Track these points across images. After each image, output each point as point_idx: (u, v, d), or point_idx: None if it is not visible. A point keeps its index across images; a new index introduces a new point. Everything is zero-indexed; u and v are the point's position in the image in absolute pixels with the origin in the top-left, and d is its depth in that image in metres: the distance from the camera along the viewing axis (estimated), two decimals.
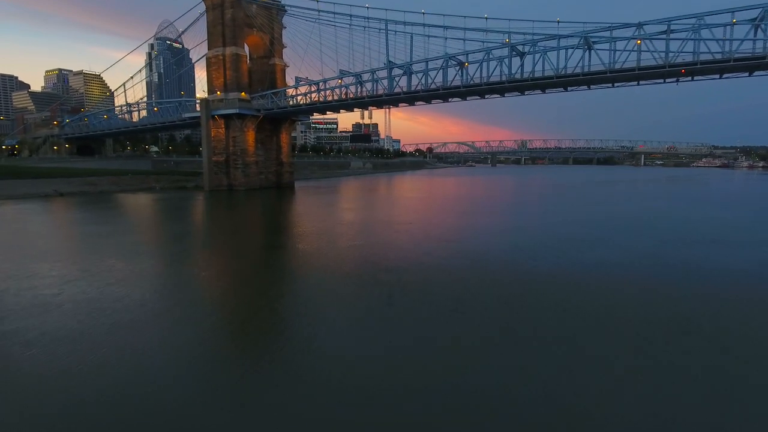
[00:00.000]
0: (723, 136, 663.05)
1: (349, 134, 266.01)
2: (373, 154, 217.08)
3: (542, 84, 63.58)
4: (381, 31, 75.36)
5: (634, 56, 59.20)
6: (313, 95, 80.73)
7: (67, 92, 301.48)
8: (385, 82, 73.04)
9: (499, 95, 71.25)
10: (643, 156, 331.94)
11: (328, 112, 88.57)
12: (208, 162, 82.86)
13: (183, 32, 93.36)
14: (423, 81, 70.19)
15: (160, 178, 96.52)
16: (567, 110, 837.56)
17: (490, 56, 65.34)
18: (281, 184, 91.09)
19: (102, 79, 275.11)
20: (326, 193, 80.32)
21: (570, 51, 61.20)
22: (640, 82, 63.83)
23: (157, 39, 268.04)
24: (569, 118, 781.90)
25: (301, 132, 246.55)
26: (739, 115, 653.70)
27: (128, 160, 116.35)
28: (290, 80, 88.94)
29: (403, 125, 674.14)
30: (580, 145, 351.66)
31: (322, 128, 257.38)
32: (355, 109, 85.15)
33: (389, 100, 73.59)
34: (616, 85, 65.53)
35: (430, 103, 77.07)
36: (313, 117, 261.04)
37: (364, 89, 75.50)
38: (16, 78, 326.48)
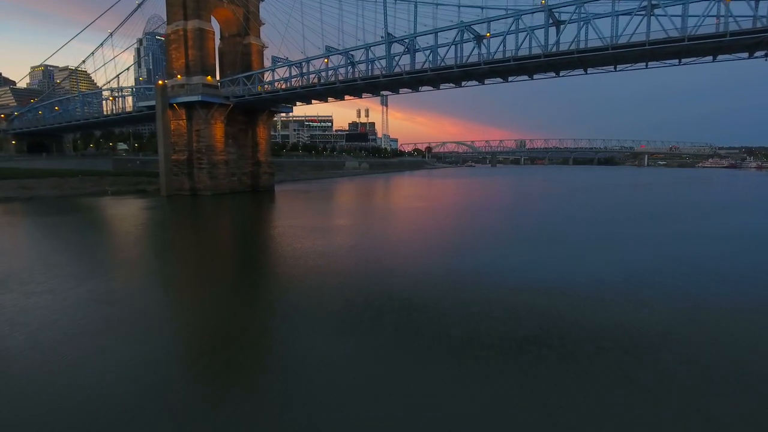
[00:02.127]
0: (723, 136, 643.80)
1: (344, 133, 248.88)
2: (370, 154, 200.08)
3: (591, 59, 47.11)
4: (378, 1, 58.91)
5: (702, 23, 43.08)
6: (294, 81, 64.02)
7: (53, 88, 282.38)
8: (383, 62, 56.54)
9: (527, 77, 54.75)
10: (646, 156, 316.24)
11: (314, 101, 71.83)
12: (166, 161, 65.98)
13: (140, 5, 76.36)
14: (431, 58, 53.74)
15: (118, 179, 79.65)
16: (566, 110, 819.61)
17: (519, 25, 48.90)
18: (258, 188, 74.30)
19: (88, 74, 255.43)
20: (312, 200, 63.73)
21: (627, 18, 44.90)
22: (719, 57, 47.50)
23: (146, 34, 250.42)
24: (568, 118, 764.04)
25: (294, 130, 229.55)
26: (739, 116, 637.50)
27: (88, 159, 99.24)
28: (269, 63, 72.00)
29: (401, 125, 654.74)
30: (582, 145, 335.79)
31: (316, 126, 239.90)
32: (347, 98, 68.19)
33: (388, 83, 57.00)
34: (683, 62, 49.08)
35: (439, 88, 60.55)
36: (306, 114, 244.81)
37: (356, 71, 59.01)
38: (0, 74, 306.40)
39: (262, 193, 70.96)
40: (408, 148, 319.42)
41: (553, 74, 53.47)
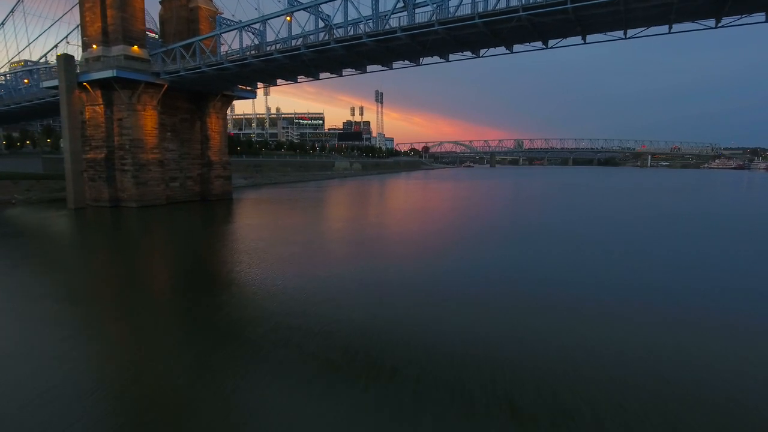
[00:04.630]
0: (722, 137, 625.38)
1: (338, 132, 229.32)
2: (363, 153, 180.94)
3: None
4: None
5: None
6: (250, 53, 45.13)
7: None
8: (371, 24, 37.95)
9: (580, 39, 36.17)
10: (650, 157, 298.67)
11: (280, 82, 52.94)
12: (74, 161, 46.99)
13: None
14: (439, 11, 35.17)
15: (36, 185, 60.75)
16: (565, 110, 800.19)
17: None
18: (209, 196, 55.54)
19: None
20: (279, 215, 45.16)
21: None
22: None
23: None
24: (567, 118, 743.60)
25: (283, 128, 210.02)
26: (737, 116, 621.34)
27: (13, 158, 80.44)
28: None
29: (398, 125, 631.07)
30: (583, 145, 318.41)
31: (306, 124, 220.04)
32: (322, 76, 49.33)
33: (375, 47, 38.03)
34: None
35: (448, 59, 41.91)
36: (296, 111, 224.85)
37: (333, 35, 40.28)
38: None
39: (214, 204, 52.22)
40: (404, 148, 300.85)
41: (621, 34, 34.98)
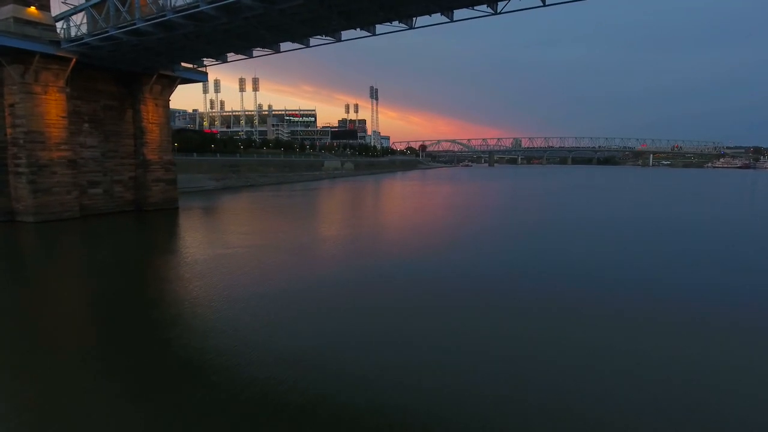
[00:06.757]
0: (721, 136, 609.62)
1: (331, 129, 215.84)
2: (356, 152, 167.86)
3: None
4: None
5: None
6: None
7: None
8: None
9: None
10: (651, 156, 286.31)
11: (232, 57, 39.91)
12: None
13: None
14: None
15: None
16: (563, 109, 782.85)
17: None
18: (146, 205, 42.64)
19: None
20: (230, 237, 32.71)
21: None
22: None
23: None
24: (565, 117, 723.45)
25: (273, 125, 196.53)
26: (738, 115, 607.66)
27: None
28: None
29: (395, 124, 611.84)
30: (584, 144, 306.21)
31: (297, 121, 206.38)
32: (284, 48, 36.43)
33: None
34: None
35: (451, 20, 29.20)
36: (287, 108, 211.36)
37: None
38: None
39: (151, 217, 39.43)
40: (401, 146, 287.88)
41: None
